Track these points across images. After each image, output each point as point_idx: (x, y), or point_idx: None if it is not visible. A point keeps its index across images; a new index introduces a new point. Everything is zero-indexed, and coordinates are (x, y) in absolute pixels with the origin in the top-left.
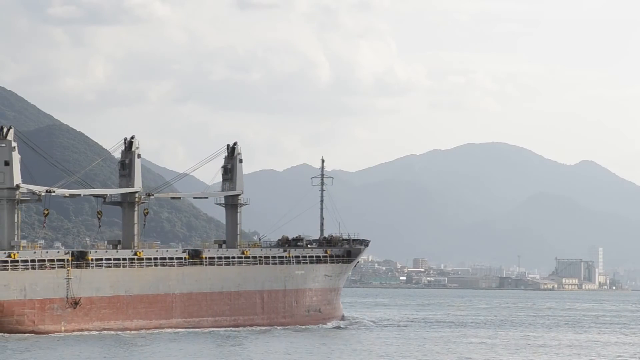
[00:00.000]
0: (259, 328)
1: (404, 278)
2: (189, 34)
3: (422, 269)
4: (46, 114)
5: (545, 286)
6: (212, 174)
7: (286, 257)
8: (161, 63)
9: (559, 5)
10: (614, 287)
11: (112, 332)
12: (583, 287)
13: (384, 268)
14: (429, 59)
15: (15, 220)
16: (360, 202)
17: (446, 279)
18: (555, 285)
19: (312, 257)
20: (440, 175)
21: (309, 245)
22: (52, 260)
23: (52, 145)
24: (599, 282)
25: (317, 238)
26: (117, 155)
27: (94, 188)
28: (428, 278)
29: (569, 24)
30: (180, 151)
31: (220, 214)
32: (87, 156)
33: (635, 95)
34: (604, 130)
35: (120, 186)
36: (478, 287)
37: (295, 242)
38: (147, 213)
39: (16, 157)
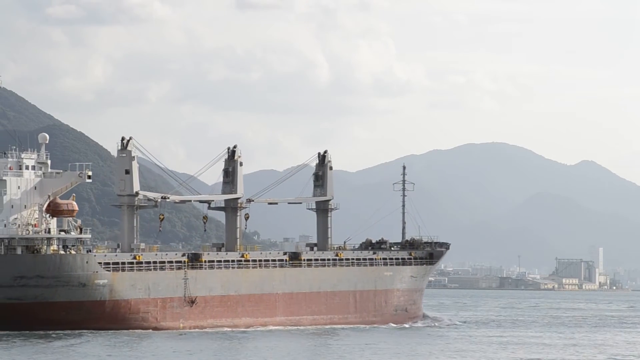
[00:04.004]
0: (353, 326)
1: None
2: (188, 34)
3: None
4: (46, 114)
5: (546, 286)
6: (211, 174)
7: (375, 259)
8: (160, 63)
9: (557, 5)
10: (614, 287)
11: (224, 329)
12: (583, 287)
13: None
14: (428, 59)
15: (135, 225)
16: (360, 202)
17: (446, 279)
18: (556, 286)
19: (398, 259)
20: (440, 175)
21: (392, 248)
22: (171, 262)
23: (52, 145)
24: (599, 282)
25: (400, 241)
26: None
27: (201, 194)
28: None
29: (567, 24)
30: (180, 151)
31: (219, 215)
32: (87, 156)
33: (635, 95)
34: (604, 130)
35: (224, 192)
36: (478, 287)
37: (379, 245)
38: (248, 217)
39: (135, 166)
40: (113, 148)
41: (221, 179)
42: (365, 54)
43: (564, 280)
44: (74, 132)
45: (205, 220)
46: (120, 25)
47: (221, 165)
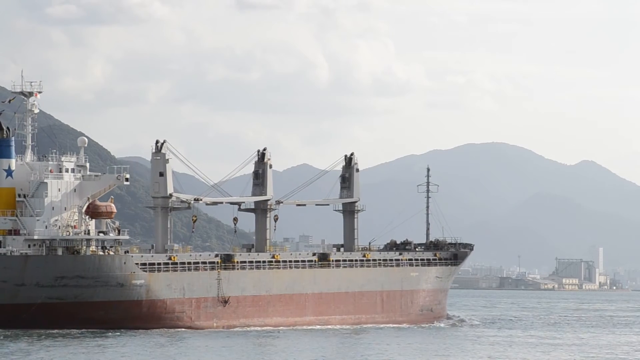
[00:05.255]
0: (381, 326)
1: None
2: (188, 34)
3: None
4: (46, 114)
5: (546, 286)
6: (211, 174)
7: (401, 260)
8: (160, 63)
9: (557, 5)
10: (614, 287)
11: (256, 328)
12: (583, 287)
13: None
14: (428, 59)
15: (169, 226)
16: (360, 202)
17: None
18: (556, 286)
19: (423, 260)
20: (440, 175)
21: (417, 249)
22: (205, 263)
23: (52, 145)
24: (599, 282)
25: (424, 242)
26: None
27: (231, 196)
28: None
29: (567, 24)
30: (180, 151)
31: (221, 214)
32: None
33: (636, 95)
34: (604, 131)
35: (254, 194)
36: (478, 287)
37: (404, 246)
38: (277, 219)
39: (169, 168)
40: (113, 148)
41: (221, 180)
42: (365, 54)
43: (564, 280)
44: (74, 132)
45: (235, 222)
46: (120, 26)
47: (219, 165)
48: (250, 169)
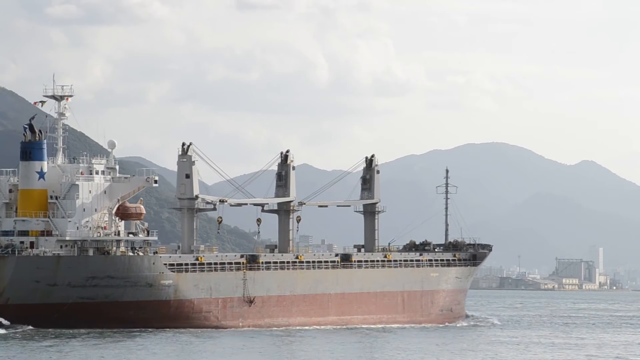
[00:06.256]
0: (402, 326)
1: None
2: (188, 34)
3: None
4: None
5: (546, 286)
6: (211, 175)
7: (421, 260)
8: (160, 63)
9: (557, 6)
10: (614, 287)
11: (280, 328)
12: (583, 287)
13: None
14: (428, 59)
15: (194, 227)
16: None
17: None
18: (556, 286)
19: (443, 260)
20: (440, 176)
21: (436, 250)
22: (231, 263)
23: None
24: (599, 282)
25: (442, 242)
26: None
27: (255, 198)
28: None
29: (567, 24)
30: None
31: (221, 215)
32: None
33: (635, 95)
34: (604, 131)
35: (277, 196)
36: (478, 287)
37: (423, 247)
38: (300, 220)
39: (195, 170)
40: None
41: (221, 180)
42: (365, 54)
43: (564, 280)
44: (74, 132)
45: (259, 223)
46: (119, 26)
47: (219, 166)
48: (256, 169)
